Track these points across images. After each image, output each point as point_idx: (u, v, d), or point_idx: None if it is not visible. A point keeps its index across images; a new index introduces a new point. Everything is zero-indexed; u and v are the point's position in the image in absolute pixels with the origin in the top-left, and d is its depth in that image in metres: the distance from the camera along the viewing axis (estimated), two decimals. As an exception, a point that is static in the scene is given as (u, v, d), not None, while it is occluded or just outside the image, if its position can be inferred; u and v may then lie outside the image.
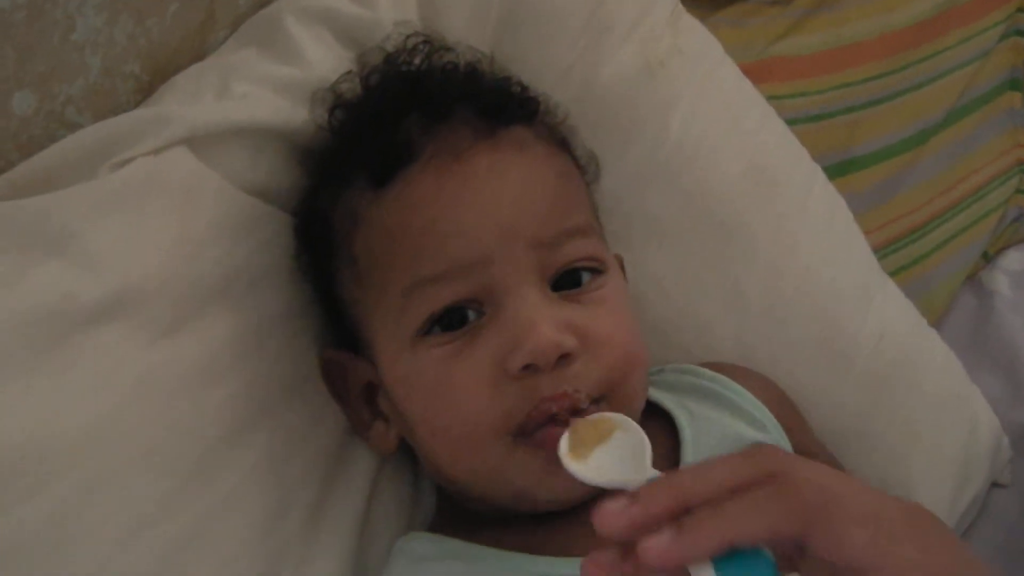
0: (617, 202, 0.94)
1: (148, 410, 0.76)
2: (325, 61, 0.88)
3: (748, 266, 0.97)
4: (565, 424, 0.70)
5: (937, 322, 1.26)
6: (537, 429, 0.74)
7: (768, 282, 0.97)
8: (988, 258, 1.36)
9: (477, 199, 0.77)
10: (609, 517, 0.56)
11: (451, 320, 0.77)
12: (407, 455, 0.87)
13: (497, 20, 0.95)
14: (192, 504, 0.77)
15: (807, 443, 0.89)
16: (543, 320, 0.74)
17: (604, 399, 0.76)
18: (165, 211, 0.80)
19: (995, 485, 1.14)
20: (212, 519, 0.77)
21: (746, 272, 0.97)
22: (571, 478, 0.68)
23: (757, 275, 0.97)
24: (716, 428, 0.85)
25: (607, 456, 0.64)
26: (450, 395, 0.76)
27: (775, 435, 0.87)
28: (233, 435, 0.79)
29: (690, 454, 0.82)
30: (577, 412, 0.73)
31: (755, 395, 0.88)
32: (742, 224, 0.97)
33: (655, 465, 0.72)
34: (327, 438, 0.85)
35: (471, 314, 0.77)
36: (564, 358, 0.73)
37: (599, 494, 0.75)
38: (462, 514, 0.83)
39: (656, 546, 0.55)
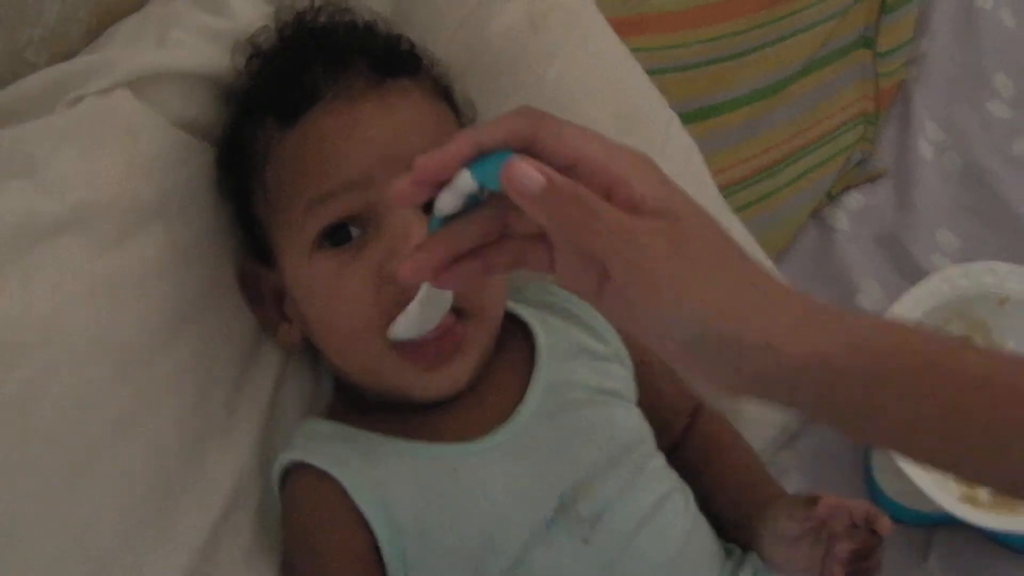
0: None
1: (97, 308, 0.83)
2: (249, 14, 0.96)
3: None
4: None
5: (783, 251, 1.36)
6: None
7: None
8: (832, 197, 1.43)
9: (364, 134, 0.86)
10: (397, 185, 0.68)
11: (340, 237, 0.85)
12: (311, 352, 0.95)
13: None
14: (130, 389, 0.84)
15: (644, 349, 0.93)
16: (417, 233, 0.82)
17: (463, 312, 0.85)
18: (111, 142, 0.88)
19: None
20: (148, 401, 0.85)
21: None
22: (440, 381, 0.84)
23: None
24: (565, 337, 0.93)
25: None
26: (338, 298, 0.85)
27: (615, 345, 0.95)
28: (165, 331, 0.87)
29: (544, 357, 0.91)
30: None
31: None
32: None
33: (514, 370, 0.88)
34: (243, 337, 0.93)
35: (355, 231, 0.85)
36: None
37: (473, 389, 0.88)
38: (354, 402, 0.92)
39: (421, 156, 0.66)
